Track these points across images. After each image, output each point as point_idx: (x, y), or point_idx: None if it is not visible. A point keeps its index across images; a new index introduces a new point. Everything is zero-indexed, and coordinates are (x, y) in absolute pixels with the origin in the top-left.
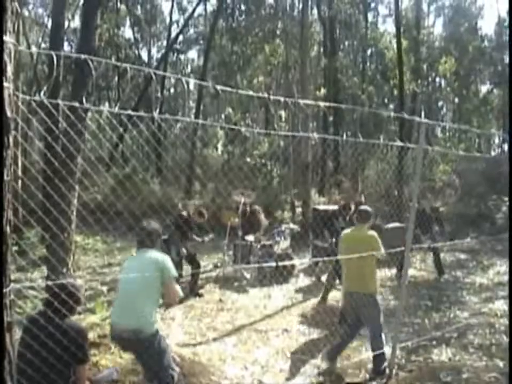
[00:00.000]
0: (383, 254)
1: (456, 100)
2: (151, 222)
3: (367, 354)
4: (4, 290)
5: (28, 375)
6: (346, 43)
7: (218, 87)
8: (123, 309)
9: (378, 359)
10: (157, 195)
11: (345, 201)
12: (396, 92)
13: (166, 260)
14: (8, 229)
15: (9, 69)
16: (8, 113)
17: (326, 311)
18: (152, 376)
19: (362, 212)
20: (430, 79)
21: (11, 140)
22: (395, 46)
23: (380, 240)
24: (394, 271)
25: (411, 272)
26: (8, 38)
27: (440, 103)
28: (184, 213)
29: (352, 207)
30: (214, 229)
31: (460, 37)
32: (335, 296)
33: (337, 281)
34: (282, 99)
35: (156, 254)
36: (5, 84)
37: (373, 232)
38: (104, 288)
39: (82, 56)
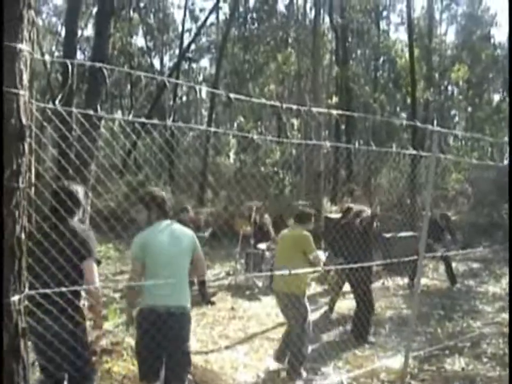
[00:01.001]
0: (315, 256)
1: (469, 108)
2: (159, 189)
3: (379, 363)
4: (19, 296)
5: (36, 273)
6: (358, 51)
7: (231, 95)
8: (167, 286)
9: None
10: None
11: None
12: (408, 100)
13: (191, 232)
14: (23, 235)
15: (25, 77)
16: (24, 121)
17: (339, 320)
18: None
19: (301, 213)
20: (442, 87)
21: (26, 147)
22: (407, 54)
23: (313, 242)
24: (406, 280)
25: (423, 281)
26: (24, 46)
27: (452, 112)
28: (186, 217)
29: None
30: (210, 225)
31: (472, 45)
32: (340, 306)
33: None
34: (294, 107)
35: (180, 227)
36: (21, 92)
37: (306, 233)
38: (117, 295)
39: (97, 64)
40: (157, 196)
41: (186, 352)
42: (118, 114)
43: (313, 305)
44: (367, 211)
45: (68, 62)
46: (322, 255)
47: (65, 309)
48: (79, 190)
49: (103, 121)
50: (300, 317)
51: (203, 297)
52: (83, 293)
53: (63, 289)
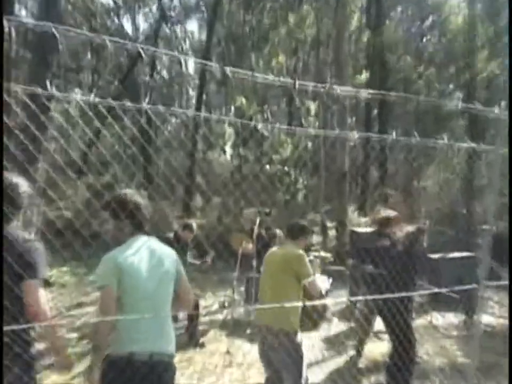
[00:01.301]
0: (311, 282)
1: None
2: (132, 192)
3: None
4: None
5: None
6: (397, 10)
7: (227, 69)
8: (149, 326)
9: None
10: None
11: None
12: (464, 77)
13: (173, 252)
14: None
15: None
16: None
17: (369, 368)
18: None
19: (294, 226)
20: None
21: None
22: (465, 11)
23: (308, 263)
24: (462, 316)
25: (486, 319)
26: None
27: None
28: (170, 234)
29: (407, 230)
30: (214, 246)
31: None
32: (372, 350)
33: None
34: (311, 85)
35: (161, 245)
36: None
37: (300, 252)
38: (73, 336)
39: (46, 25)
40: (129, 201)
41: None
42: (76, 94)
43: (335, 348)
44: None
45: (5, 19)
46: (324, 282)
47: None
48: (20, 184)
49: (54, 103)
50: (299, 363)
51: (190, 338)
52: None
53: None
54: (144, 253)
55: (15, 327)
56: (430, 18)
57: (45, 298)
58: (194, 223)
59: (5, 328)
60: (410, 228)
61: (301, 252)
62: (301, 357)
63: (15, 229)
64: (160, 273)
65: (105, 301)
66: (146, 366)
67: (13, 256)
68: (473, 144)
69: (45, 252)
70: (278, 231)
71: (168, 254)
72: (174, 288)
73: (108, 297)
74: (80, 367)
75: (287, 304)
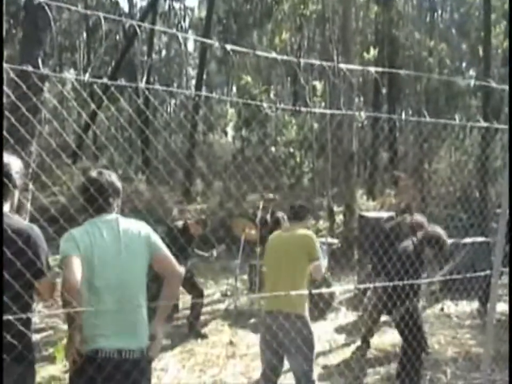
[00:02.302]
0: (317, 265)
1: None
2: (103, 171)
3: None
4: None
5: None
6: None
7: (228, 47)
8: (116, 319)
9: None
10: (144, 196)
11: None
12: (479, 52)
13: (145, 225)
14: None
15: None
16: None
17: (379, 359)
18: None
19: (296, 207)
20: None
21: None
22: None
23: (317, 243)
24: (476, 304)
25: (501, 306)
26: None
27: None
28: (179, 223)
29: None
30: (222, 241)
31: None
32: (381, 341)
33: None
34: (317, 62)
35: (126, 221)
36: None
37: (309, 232)
38: (66, 327)
39: (38, 0)
40: (94, 179)
41: None
42: (71, 74)
43: (343, 338)
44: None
45: None
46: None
47: (14, 346)
48: (11, 163)
49: (47, 83)
50: (311, 346)
51: (191, 328)
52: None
53: (10, 317)
54: (106, 232)
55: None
56: None
57: (58, 290)
58: (208, 220)
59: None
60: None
61: (311, 232)
62: (313, 341)
63: (10, 213)
64: (124, 255)
65: (69, 266)
66: (114, 364)
67: (21, 246)
68: (486, 124)
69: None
70: (280, 214)
71: (139, 232)
72: (147, 267)
73: (71, 266)
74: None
75: (295, 292)
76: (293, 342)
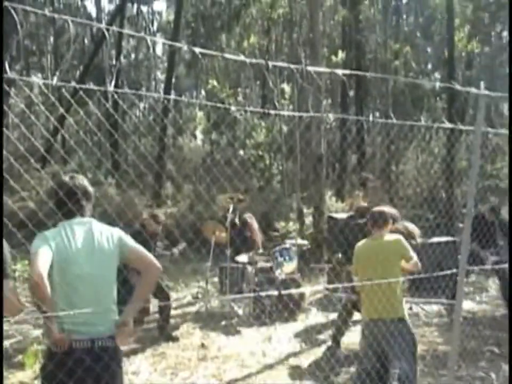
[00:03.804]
0: (415, 262)
1: None
2: (75, 176)
3: None
4: None
5: None
6: None
7: (196, 50)
8: (89, 313)
9: None
10: (114, 200)
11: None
12: (443, 56)
13: (116, 229)
14: None
15: None
16: None
17: (349, 358)
18: None
19: (376, 214)
20: (493, 34)
21: None
22: None
23: (406, 243)
24: (443, 303)
25: (467, 305)
26: None
27: (507, 70)
28: (136, 225)
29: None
30: (185, 236)
31: None
32: (351, 341)
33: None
34: (285, 65)
35: (97, 224)
36: None
37: (396, 236)
38: (38, 332)
39: (3, 3)
40: (64, 184)
41: None
42: (38, 78)
43: (313, 338)
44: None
45: None
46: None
47: None
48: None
49: (13, 90)
50: (413, 347)
51: (161, 331)
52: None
53: None
54: (79, 234)
55: None
56: None
57: (14, 296)
58: (161, 214)
59: None
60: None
61: (397, 235)
62: (415, 341)
63: None
64: (97, 253)
65: (36, 260)
66: (88, 353)
67: None
68: (451, 125)
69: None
70: (248, 215)
71: (109, 233)
72: (120, 264)
73: (39, 256)
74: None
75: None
76: (399, 346)
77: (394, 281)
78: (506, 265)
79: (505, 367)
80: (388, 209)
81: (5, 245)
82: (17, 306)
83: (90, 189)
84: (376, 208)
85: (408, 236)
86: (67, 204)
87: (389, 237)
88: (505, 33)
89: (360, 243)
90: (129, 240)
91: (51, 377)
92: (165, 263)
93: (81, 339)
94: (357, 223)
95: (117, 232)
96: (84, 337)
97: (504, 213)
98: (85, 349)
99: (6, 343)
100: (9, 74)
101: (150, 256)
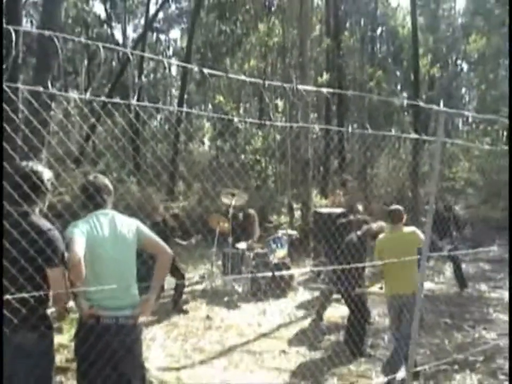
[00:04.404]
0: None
1: (482, 86)
2: (98, 175)
3: (378, 379)
4: None
5: None
6: (353, 20)
7: (205, 70)
8: (113, 291)
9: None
10: (135, 196)
11: (351, 203)
12: (409, 79)
13: (135, 220)
14: None
15: None
16: None
17: (330, 329)
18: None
19: (396, 211)
20: (450, 62)
21: None
22: (409, 23)
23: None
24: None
25: (427, 285)
26: None
27: (462, 90)
28: (159, 218)
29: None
30: (199, 232)
31: (487, 11)
32: (332, 314)
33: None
34: (279, 84)
35: (119, 216)
36: None
37: (412, 228)
38: (72, 303)
39: (47, 33)
40: (90, 182)
41: (141, 366)
42: (74, 93)
43: (301, 312)
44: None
45: (11, 28)
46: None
47: (28, 318)
48: (44, 171)
49: (53, 103)
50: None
51: (175, 305)
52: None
53: (25, 295)
54: (104, 224)
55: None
56: (380, 29)
57: (64, 282)
58: (180, 213)
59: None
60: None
61: (413, 228)
62: None
63: (39, 217)
64: (119, 239)
65: (73, 246)
66: (113, 330)
67: (42, 242)
68: (417, 136)
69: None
70: (251, 211)
71: (128, 223)
72: (138, 249)
73: (75, 243)
74: None
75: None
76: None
77: (413, 263)
78: (458, 252)
79: (457, 335)
80: (364, 216)
81: (57, 233)
82: (67, 295)
83: (111, 186)
84: (393, 207)
85: (381, 231)
86: (94, 198)
87: (406, 229)
88: (459, 61)
89: (382, 236)
90: (146, 230)
91: (83, 340)
92: (178, 249)
93: (107, 315)
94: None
95: (135, 222)
96: (110, 313)
97: (458, 209)
98: (111, 317)
99: (48, 311)
100: (51, 90)
101: (162, 244)
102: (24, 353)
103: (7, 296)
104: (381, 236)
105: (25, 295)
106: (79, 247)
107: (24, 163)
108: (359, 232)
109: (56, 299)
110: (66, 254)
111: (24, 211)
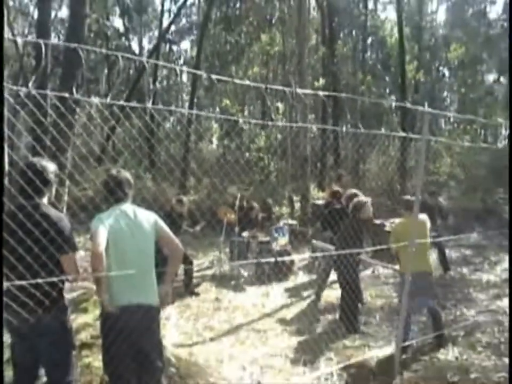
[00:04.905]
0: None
1: (462, 89)
2: (120, 170)
3: (370, 353)
4: None
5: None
6: (345, 31)
7: (213, 76)
8: (133, 280)
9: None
10: (151, 190)
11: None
12: (397, 83)
13: (153, 213)
14: None
15: None
16: None
17: (327, 309)
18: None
19: (409, 201)
20: (433, 68)
21: None
22: (397, 34)
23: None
24: (397, 267)
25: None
26: None
27: (444, 94)
28: (168, 207)
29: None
30: (204, 217)
31: (465, 23)
32: (329, 295)
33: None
34: (279, 88)
35: (139, 209)
36: None
37: (424, 216)
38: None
39: (72, 45)
40: (113, 176)
41: (159, 342)
42: (96, 99)
43: (300, 294)
44: (361, 196)
45: (41, 42)
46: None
47: (43, 302)
48: (50, 167)
49: (77, 109)
50: (429, 289)
51: (186, 288)
52: (66, 284)
53: (39, 280)
54: (124, 216)
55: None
56: (370, 39)
57: (77, 266)
58: (185, 198)
59: (41, 280)
60: (359, 198)
61: (424, 215)
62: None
63: (49, 207)
64: (139, 231)
65: (97, 237)
66: (132, 311)
67: (52, 230)
68: (404, 134)
69: (70, 225)
70: (255, 204)
71: (147, 216)
72: (155, 242)
73: (99, 235)
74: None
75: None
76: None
77: (427, 247)
78: (442, 239)
79: (441, 313)
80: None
81: (67, 220)
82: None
83: (131, 179)
84: (406, 197)
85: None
86: (116, 190)
87: (420, 217)
88: (441, 68)
89: (398, 222)
90: (163, 225)
91: (106, 320)
92: (189, 238)
93: (129, 304)
94: (335, 208)
95: (154, 216)
96: (130, 297)
97: (442, 199)
98: (132, 311)
99: (74, 294)
100: (76, 96)
101: (176, 240)
102: (43, 332)
103: (23, 282)
104: (397, 220)
105: (39, 280)
106: (102, 239)
107: (30, 159)
108: (350, 206)
109: (72, 280)
110: (90, 244)
111: (36, 203)
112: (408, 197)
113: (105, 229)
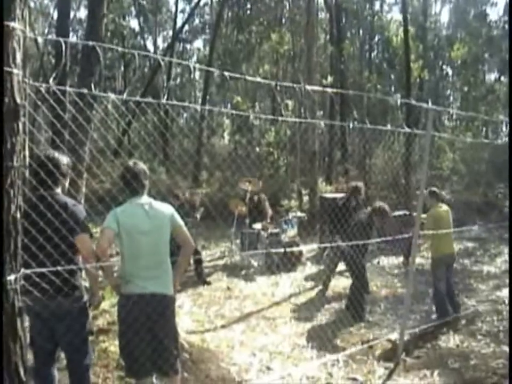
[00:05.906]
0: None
1: (465, 88)
2: (137, 162)
3: (375, 341)
4: (15, 276)
5: (29, 250)
6: (353, 31)
7: (225, 73)
8: (149, 270)
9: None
10: (165, 182)
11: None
12: (402, 81)
13: (170, 206)
14: (18, 214)
15: (19, 56)
16: (18, 100)
17: (334, 298)
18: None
19: (438, 193)
20: (437, 67)
21: (21, 126)
22: (402, 34)
23: None
24: (401, 258)
25: (418, 260)
26: (17, 25)
27: (447, 92)
28: (177, 202)
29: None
30: (203, 205)
31: (467, 24)
32: (336, 285)
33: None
34: (289, 84)
35: (155, 202)
36: (15, 71)
37: (446, 206)
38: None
39: (91, 43)
40: (130, 168)
41: (173, 328)
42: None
43: (309, 284)
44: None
45: (62, 40)
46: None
47: (62, 288)
48: (62, 159)
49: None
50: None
51: (199, 277)
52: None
53: (59, 268)
54: (141, 209)
55: (68, 267)
56: (377, 38)
57: (90, 245)
58: (198, 190)
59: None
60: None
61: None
62: None
63: (63, 196)
64: (154, 225)
65: (101, 237)
66: (147, 298)
67: (67, 216)
68: (409, 130)
69: (84, 211)
70: (262, 196)
71: (163, 209)
72: (170, 235)
73: (103, 236)
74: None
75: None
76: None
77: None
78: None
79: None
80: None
81: (81, 207)
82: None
83: (147, 171)
84: (433, 189)
85: (383, 212)
86: (133, 181)
87: (444, 207)
88: (445, 67)
89: (433, 210)
90: (178, 219)
91: (122, 307)
92: (201, 229)
93: (143, 294)
94: (344, 202)
95: (170, 209)
96: (146, 284)
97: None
98: (147, 300)
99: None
100: (94, 92)
101: (188, 236)
102: (61, 316)
103: (43, 270)
104: (432, 209)
105: (59, 268)
106: (105, 240)
107: (48, 152)
108: (368, 209)
109: (84, 259)
110: (95, 244)
111: (51, 192)
112: (434, 188)
113: (115, 227)
